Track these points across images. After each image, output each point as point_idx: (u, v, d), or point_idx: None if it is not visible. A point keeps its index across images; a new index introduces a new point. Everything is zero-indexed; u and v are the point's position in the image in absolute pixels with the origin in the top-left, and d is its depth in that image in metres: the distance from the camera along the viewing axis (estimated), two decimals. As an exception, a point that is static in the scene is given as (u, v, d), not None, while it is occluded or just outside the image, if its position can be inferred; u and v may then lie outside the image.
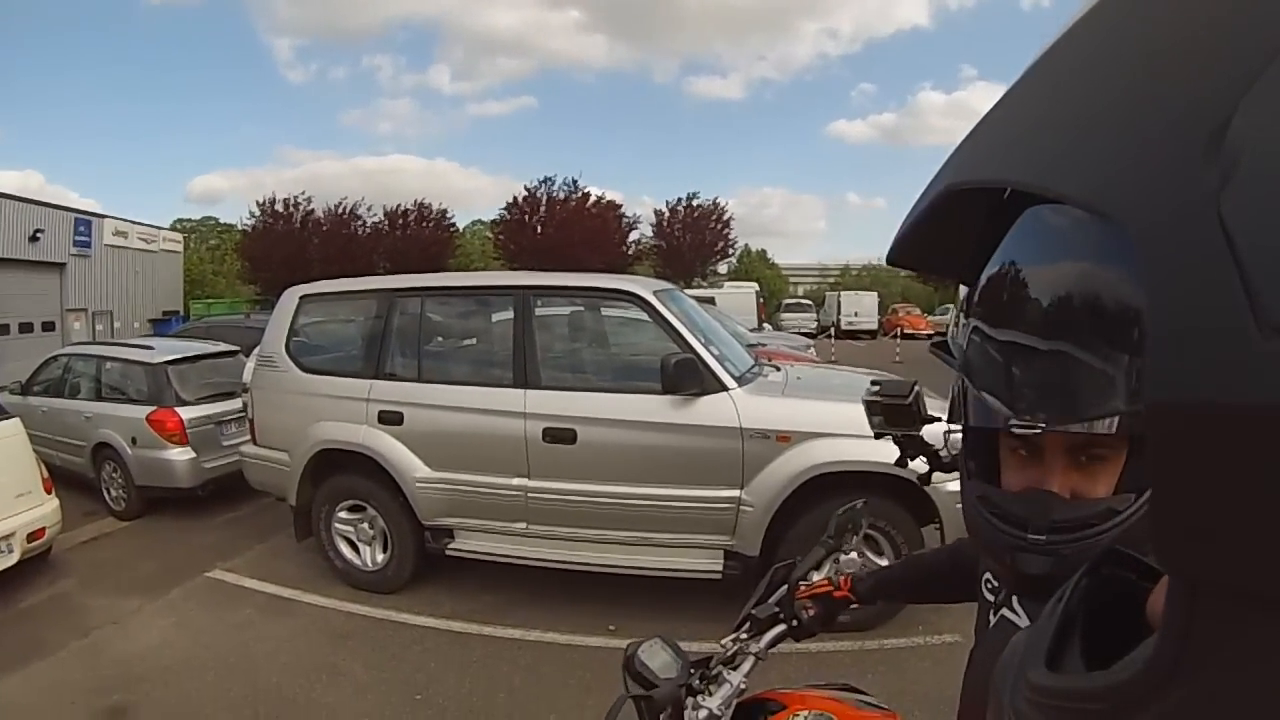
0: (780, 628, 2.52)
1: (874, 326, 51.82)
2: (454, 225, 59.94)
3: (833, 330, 43.98)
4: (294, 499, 7.76)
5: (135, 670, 6.38)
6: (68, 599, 8.05)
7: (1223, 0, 0.48)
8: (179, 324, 27.44)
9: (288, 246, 48.87)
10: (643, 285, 7.17)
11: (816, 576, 2.67)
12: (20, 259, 29.46)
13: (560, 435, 6.66)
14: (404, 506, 7.21)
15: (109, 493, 10.82)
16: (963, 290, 0.80)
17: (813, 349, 19.94)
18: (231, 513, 10.43)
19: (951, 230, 0.71)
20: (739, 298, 34.24)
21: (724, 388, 6.47)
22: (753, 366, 7.45)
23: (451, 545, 7.25)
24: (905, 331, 45.49)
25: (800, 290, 77.07)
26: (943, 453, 3.03)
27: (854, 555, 2.68)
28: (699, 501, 6.41)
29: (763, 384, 7.00)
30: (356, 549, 7.66)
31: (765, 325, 31.85)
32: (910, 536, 6.31)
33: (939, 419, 2.18)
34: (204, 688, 6.09)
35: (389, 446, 7.19)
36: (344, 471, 7.49)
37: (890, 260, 0.79)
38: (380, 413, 7.22)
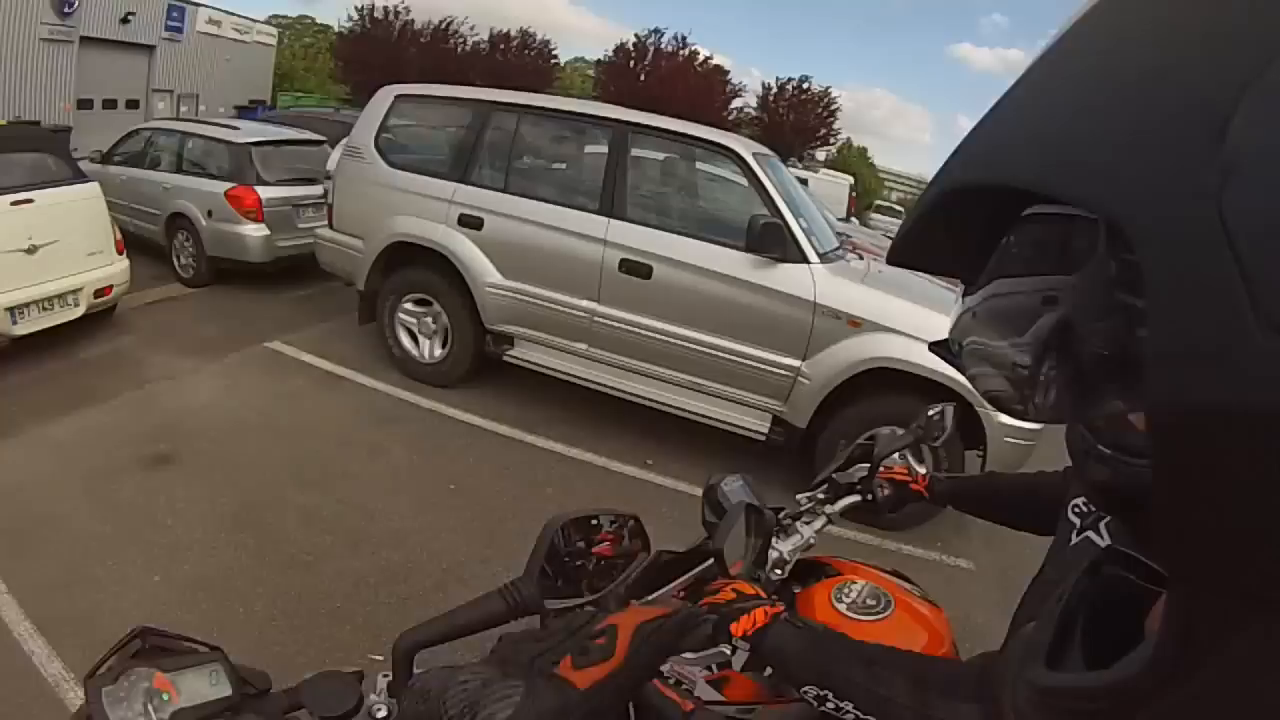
0: (855, 498, 2.61)
1: None
2: (556, 58, 58.53)
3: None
4: (362, 284, 7.93)
5: (184, 424, 6.64)
6: (127, 354, 8.31)
7: (1223, 1, 0.49)
8: (264, 112, 27.31)
9: (383, 53, 47.81)
10: (743, 144, 7.11)
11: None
12: (110, 39, 29.56)
13: (636, 268, 6.71)
14: (470, 308, 7.34)
15: (178, 260, 11.04)
16: (962, 289, 0.79)
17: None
18: (298, 291, 10.62)
19: (954, 230, 0.71)
20: (832, 186, 33.51)
21: (805, 260, 6.46)
22: (838, 248, 7.41)
23: (510, 352, 7.39)
24: None
25: (893, 196, 75.83)
26: None
27: (895, 456, 2.72)
28: (760, 362, 6.46)
29: (844, 267, 6.96)
30: (416, 341, 7.84)
31: (853, 219, 31.35)
32: (954, 455, 6.34)
33: None
34: (247, 447, 6.33)
35: (465, 249, 7.29)
36: (415, 266, 7.61)
37: (891, 259, 0.79)
38: (461, 215, 7.31)
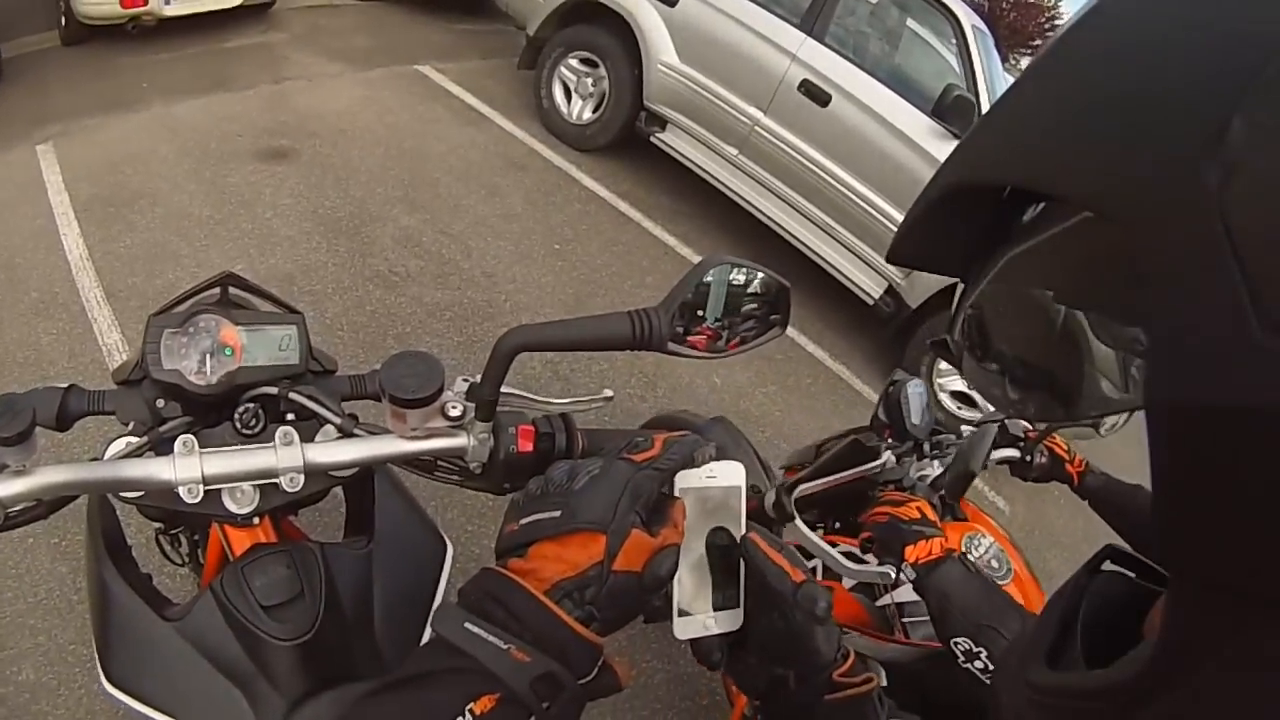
0: (1014, 453, 2.63)
1: None
2: None
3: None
4: (533, 30, 7.65)
5: (309, 124, 6.68)
6: (273, 49, 8.31)
7: (1223, 0, 0.47)
8: None
9: None
10: (966, 12, 6.84)
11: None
12: None
13: (816, 93, 6.46)
14: (636, 80, 7.11)
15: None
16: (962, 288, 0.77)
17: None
18: (465, 24, 10.36)
19: (953, 229, 0.70)
20: None
21: None
22: None
23: (660, 135, 7.20)
24: None
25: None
26: None
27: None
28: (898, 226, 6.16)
29: None
30: (569, 98, 7.62)
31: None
32: None
33: None
34: (367, 159, 6.35)
35: (651, 20, 7.00)
36: (594, 24, 7.34)
37: (891, 258, 0.79)
38: None
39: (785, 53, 6.58)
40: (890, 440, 2.32)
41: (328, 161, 6.15)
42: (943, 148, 6.10)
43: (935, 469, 2.44)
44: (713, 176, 6.99)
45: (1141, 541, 2.52)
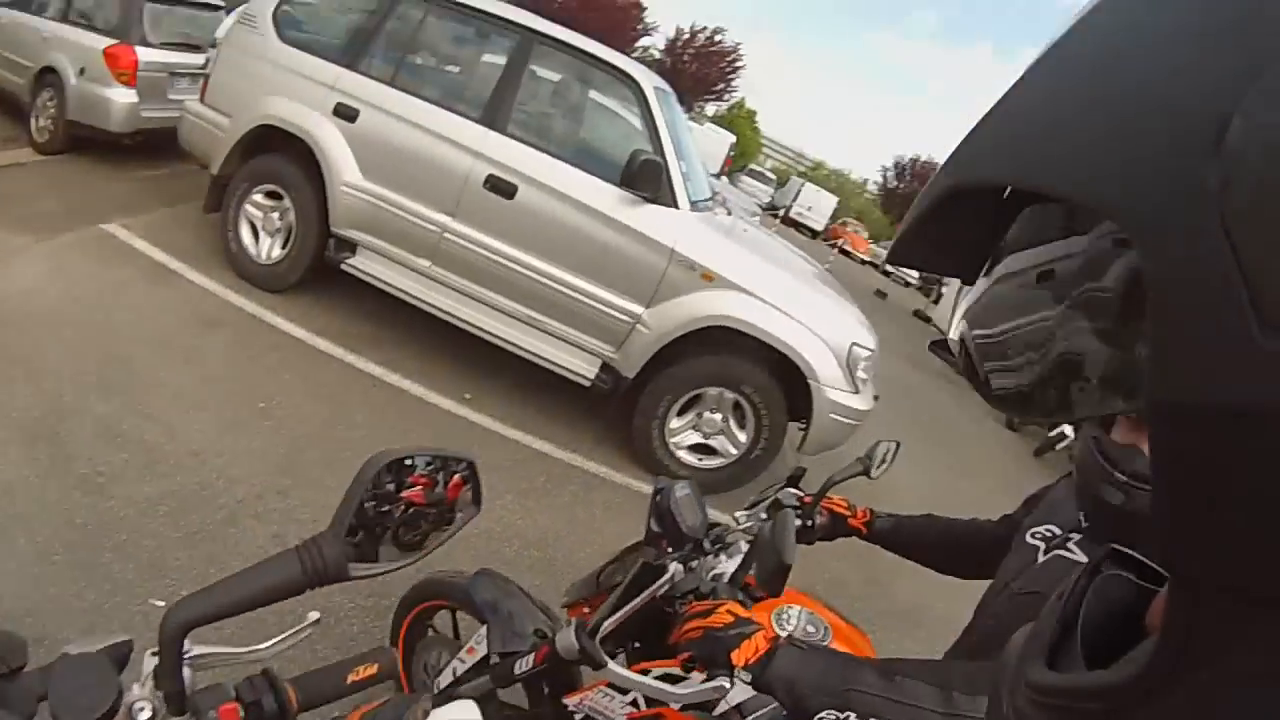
0: (794, 521, 2.58)
1: (819, 227, 52.42)
2: None
3: (782, 213, 44.06)
4: (217, 168, 7.47)
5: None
6: None
7: (1223, 1, 0.47)
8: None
9: None
10: (646, 75, 7.03)
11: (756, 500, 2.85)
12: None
13: (502, 186, 6.51)
14: (320, 207, 7.00)
15: (37, 121, 10.35)
16: (962, 287, 0.76)
17: (759, 219, 19.90)
18: (150, 170, 10.12)
19: (953, 229, 0.68)
20: (712, 142, 34.65)
21: (675, 204, 6.42)
22: (709, 199, 7.39)
23: (350, 260, 7.07)
24: (844, 247, 46.85)
25: (769, 164, 77.55)
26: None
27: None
28: (603, 304, 6.41)
29: (711, 219, 6.94)
30: (257, 237, 7.44)
31: (724, 178, 31.82)
32: (776, 423, 6.43)
33: None
34: (58, 343, 6.00)
35: (332, 140, 6.92)
36: (276, 153, 7.23)
37: (891, 259, 0.77)
38: (338, 105, 6.95)
39: (467, 150, 6.60)
40: (670, 550, 2.28)
41: (16, 353, 5.74)
42: (636, 215, 6.28)
43: (727, 562, 2.45)
44: (408, 294, 6.91)
45: (948, 564, 2.72)
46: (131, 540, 4.28)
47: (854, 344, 6.43)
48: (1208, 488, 0.43)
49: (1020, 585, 2.01)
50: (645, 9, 59.29)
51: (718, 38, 62.94)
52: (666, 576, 2.19)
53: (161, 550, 4.24)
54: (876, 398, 6.91)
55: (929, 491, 8.15)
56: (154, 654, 1.16)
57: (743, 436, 6.48)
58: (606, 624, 2.19)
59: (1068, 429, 16.41)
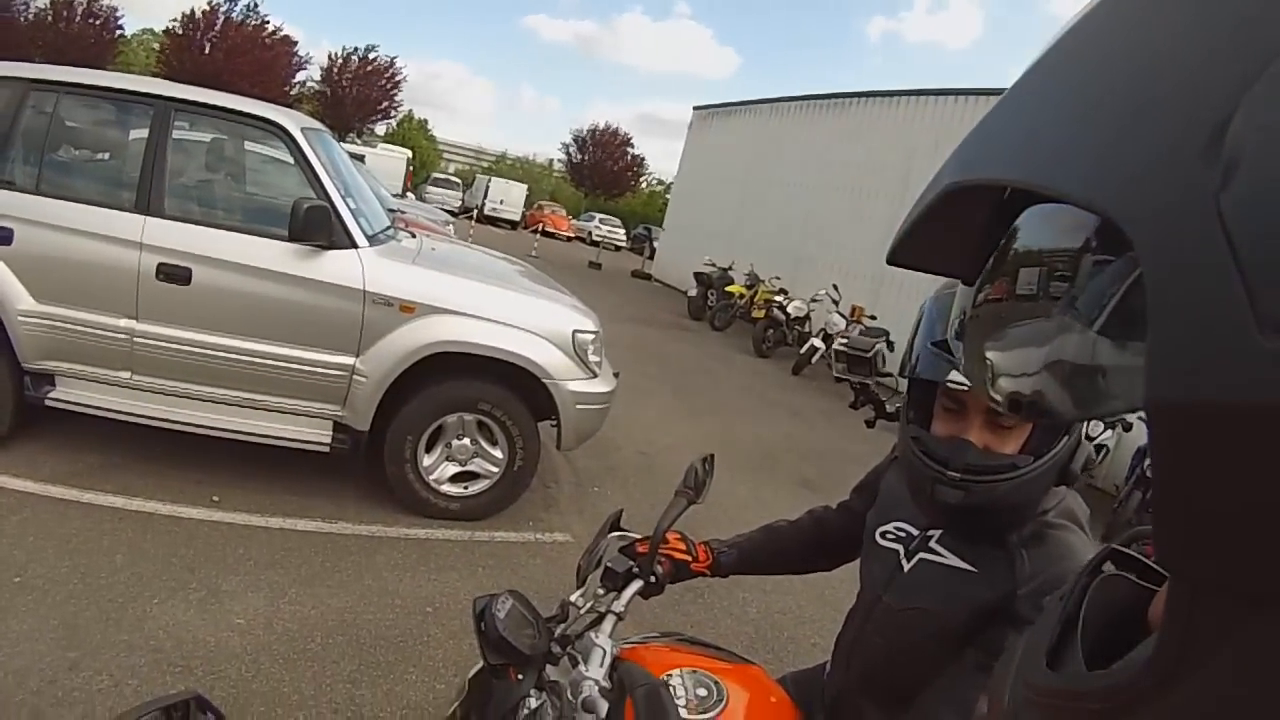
0: (638, 584, 2.44)
1: (517, 218, 54.04)
2: (122, 29, 55.16)
3: (476, 213, 44.33)
4: None
5: None
6: None
7: (1223, 0, 0.48)
8: None
9: None
10: (292, 119, 6.72)
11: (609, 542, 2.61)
12: None
13: (175, 274, 6.12)
14: (5, 345, 6.36)
15: None
16: (963, 288, 0.78)
17: (452, 227, 19.88)
18: None
19: (953, 230, 0.70)
20: (389, 161, 34.60)
21: (353, 244, 6.26)
22: (388, 229, 7.29)
23: (52, 394, 6.49)
24: (546, 229, 48.14)
25: (452, 168, 78.21)
26: (888, 405, 3.23)
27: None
28: (311, 365, 6.23)
29: (395, 248, 6.83)
30: (-51, 396, 6.78)
31: (409, 195, 31.83)
32: (526, 430, 6.48)
33: (891, 374, 2.43)
34: None
35: None
36: (-58, 301, 6.58)
37: (890, 260, 0.77)
38: None
39: (131, 244, 6.16)
40: (520, 678, 2.10)
41: None
42: (313, 265, 6.13)
43: (598, 656, 2.15)
44: (119, 412, 6.46)
45: (805, 567, 2.76)
46: None
47: (575, 331, 6.52)
48: (1207, 487, 0.44)
49: (898, 600, 2.00)
50: (297, 43, 58.89)
51: (372, 56, 63.26)
52: None
53: None
54: (617, 375, 7.03)
55: (718, 445, 7.92)
56: None
57: (498, 453, 6.51)
58: None
59: (818, 342, 17.15)
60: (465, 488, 6.57)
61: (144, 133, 6.55)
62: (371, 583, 5.64)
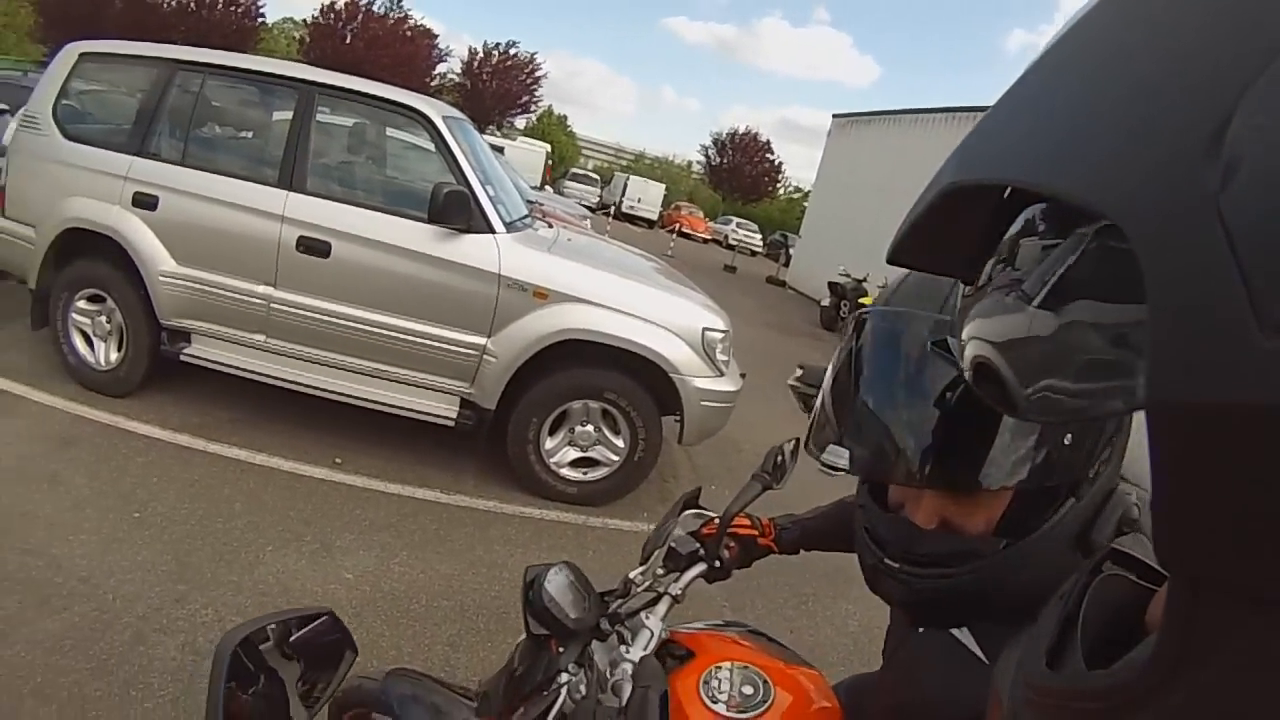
0: (701, 567, 2.38)
1: (654, 217, 53.33)
2: (263, 16, 56.56)
3: (613, 210, 44.23)
4: (34, 281, 7.24)
5: None
6: None
7: (1222, 1, 0.48)
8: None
9: (84, 6, 44.60)
10: (434, 107, 6.98)
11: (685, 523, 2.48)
12: None
13: (314, 247, 6.52)
14: (145, 301, 6.83)
15: None
16: (963, 288, 0.78)
17: (589, 222, 19.85)
18: (-29, 293, 9.84)
19: (952, 230, 0.69)
20: (528, 155, 34.62)
21: (491, 230, 6.46)
22: (525, 217, 7.46)
23: (187, 350, 6.95)
24: (683, 230, 46.91)
25: (591, 165, 78.17)
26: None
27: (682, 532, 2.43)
28: (444, 342, 6.46)
29: (531, 236, 7.01)
30: (91, 344, 7.26)
31: (547, 188, 31.87)
32: (650, 422, 6.55)
33: None
34: None
35: (138, 232, 6.75)
36: (89, 256, 7.02)
37: (890, 259, 0.77)
38: (135, 194, 6.75)
39: (273, 217, 6.54)
40: (561, 651, 2.06)
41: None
42: (451, 247, 6.35)
43: (644, 639, 2.09)
44: (252, 372, 6.83)
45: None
46: (46, 681, 4.20)
47: (705, 328, 6.55)
48: (1207, 487, 0.44)
49: (900, 674, 1.67)
50: (437, 37, 59.72)
51: (513, 51, 63.88)
52: (561, 700, 1.95)
53: (78, 684, 4.18)
54: (744, 375, 7.04)
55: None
56: None
57: (620, 442, 6.59)
58: None
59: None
60: (584, 473, 6.75)
61: (287, 114, 6.94)
62: (482, 554, 5.83)
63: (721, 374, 6.61)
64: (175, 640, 4.49)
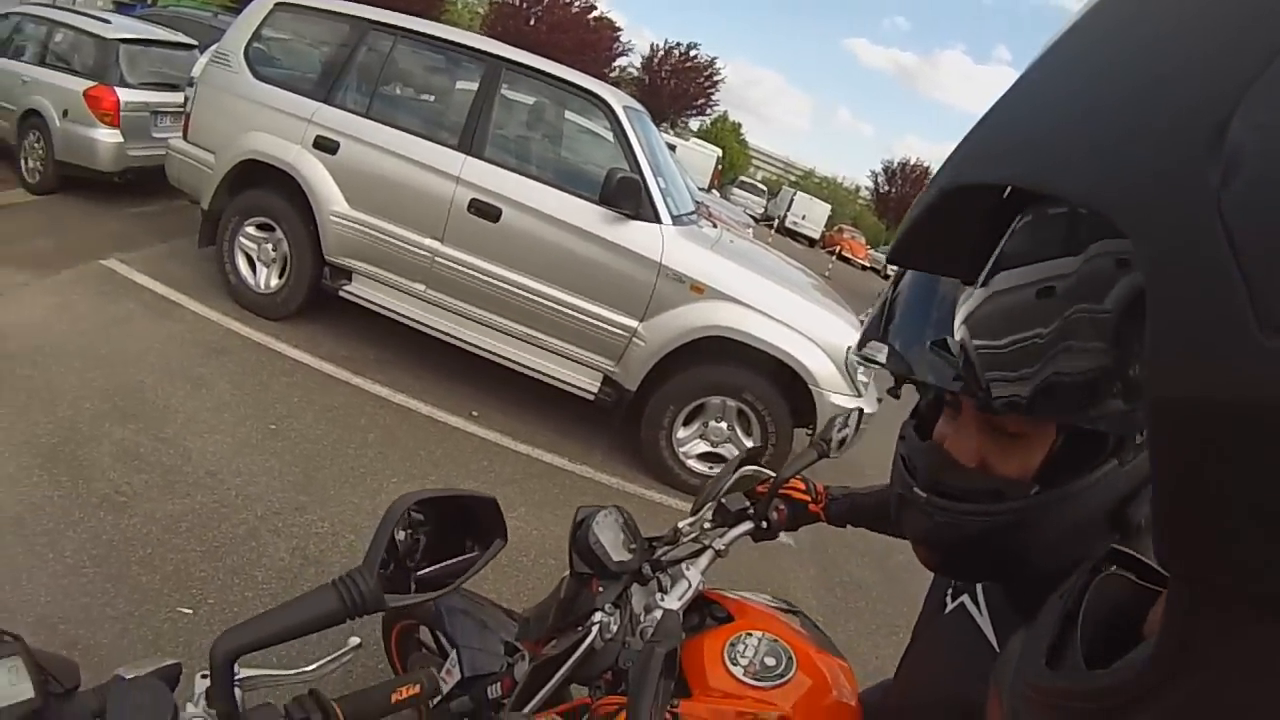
0: (748, 525, 2.44)
1: (815, 235, 52.68)
2: None
3: (776, 222, 43.91)
4: (207, 203, 7.74)
5: (4, 345, 6.46)
6: None
7: (1223, 0, 0.48)
8: (142, 9, 26.27)
9: None
10: (615, 96, 7.18)
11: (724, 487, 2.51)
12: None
13: (485, 210, 6.79)
14: (312, 236, 7.24)
15: (26, 163, 10.64)
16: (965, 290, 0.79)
17: (751, 231, 19.84)
18: (142, 207, 10.38)
19: (953, 229, 0.70)
20: (699, 157, 34.58)
21: (657, 219, 6.58)
22: (692, 213, 7.55)
23: (347, 287, 7.33)
24: (843, 253, 46.17)
25: (759, 175, 77.63)
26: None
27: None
28: (597, 319, 6.58)
29: (695, 232, 7.09)
30: (254, 268, 7.69)
31: (714, 191, 31.82)
32: (782, 430, 6.54)
33: None
34: (69, 373, 6.19)
35: (316, 172, 7.19)
36: (263, 187, 7.46)
37: (891, 259, 0.78)
38: (317, 138, 7.24)
39: (449, 177, 6.80)
40: (601, 589, 2.12)
41: (30, 384, 5.94)
42: (618, 230, 6.48)
43: (681, 589, 2.18)
44: (407, 317, 7.12)
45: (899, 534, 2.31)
46: (156, 554, 4.45)
47: (850, 347, 6.46)
48: (1207, 486, 0.44)
49: (920, 667, 1.62)
50: (620, 29, 59.77)
51: (693, 53, 63.59)
52: (591, 638, 2.00)
53: (186, 563, 4.41)
54: (881, 400, 6.99)
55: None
56: (204, 676, 1.22)
57: (750, 443, 6.56)
58: (539, 698, 1.97)
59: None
60: (710, 467, 6.73)
61: (470, 83, 7.22)
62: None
63: (859, 395, 6.58)
64: (287, 543, 4.72)
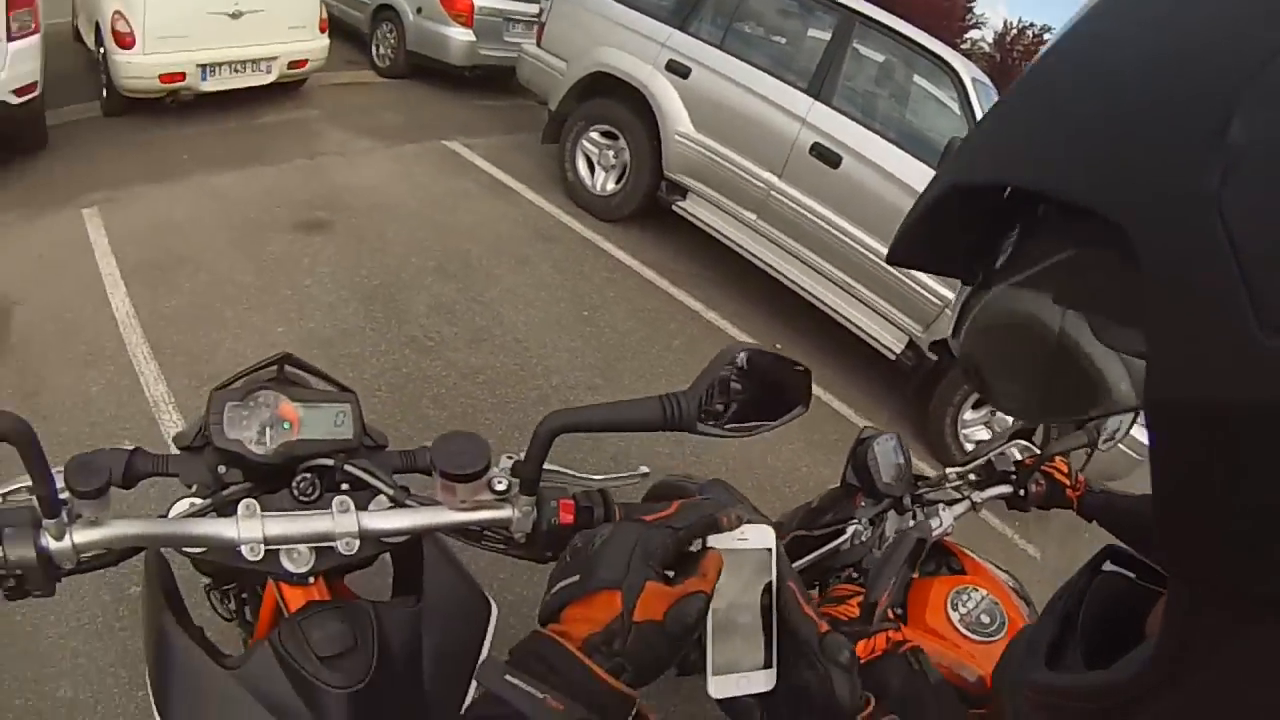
0: (1006, 489, 2.54)
1: None
2: None
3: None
4: (555, 105, 8.19)
5: (345, 197, 7.10)
6: (306, 125, 8.84)
7: (1222, 1, 0.49)
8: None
9: None
10: (967, 67, 7.09)
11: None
12: None
13: (827, 155, 6.86)
14: (654, 151, 7.57)
15: (377, 50, 11.50)
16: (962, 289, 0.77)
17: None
18: (489, 101, 10.94)
19: (953, 230, 0.70)
20: None
21: None
22: None
23: (680, 204, 7.62)
24: None
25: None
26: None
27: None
28: (916, 282, 6.52)
29: None
30: (592, 170, 8.11)
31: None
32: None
33: None
34: (401, 231, 6.73)
35: (666, 93, 7.51)
36: (611, 99, 7.85)
37: (891, 259, 0.79)
38: (670, 61, 7.56)
39: (795, 117, 6.94)
40: (862, 505, 2.35)
41: (362, 233, 6.48)
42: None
43: (933, 525, 2.34)
44: (733, 242, 7.33)
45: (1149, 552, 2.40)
46: (449, 395, 4.84)
47: None
48: (1208, 487, 0.45)
49: None
50: (974, 1, 57.54)
51: (1047, 36, 59.49)
52: (845, 537, 2.24)
53: (474, 409, 4.77)
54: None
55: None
56: (508, 457, 1.36)
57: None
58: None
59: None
60: (982, 453, 6.59)
61: (822, 31, 7.35)
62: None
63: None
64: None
